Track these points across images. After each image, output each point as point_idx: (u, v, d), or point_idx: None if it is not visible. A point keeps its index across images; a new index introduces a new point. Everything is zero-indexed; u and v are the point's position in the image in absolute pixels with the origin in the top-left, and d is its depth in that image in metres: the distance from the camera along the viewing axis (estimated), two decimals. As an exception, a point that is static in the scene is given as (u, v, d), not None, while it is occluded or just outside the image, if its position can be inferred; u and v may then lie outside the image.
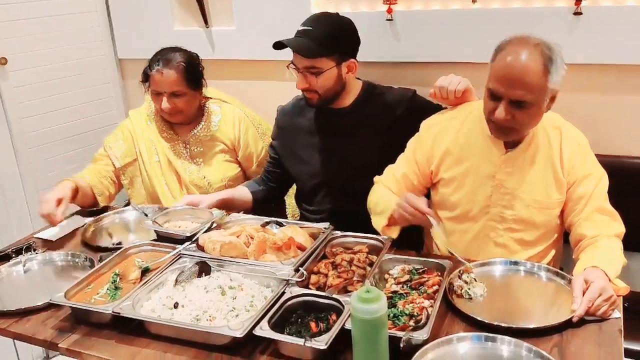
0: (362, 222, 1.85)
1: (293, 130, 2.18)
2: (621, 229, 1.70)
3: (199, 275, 1.60)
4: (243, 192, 2.22)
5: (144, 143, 2.32)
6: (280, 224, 1.84)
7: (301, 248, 1.70)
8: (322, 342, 1.26)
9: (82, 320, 1.52)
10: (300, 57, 1.94)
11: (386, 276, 1.61)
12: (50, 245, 1.96)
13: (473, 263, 1.65)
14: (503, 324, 1.37)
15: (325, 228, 1.79)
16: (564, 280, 1.56)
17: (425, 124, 1.92)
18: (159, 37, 2.78)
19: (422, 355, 1.27)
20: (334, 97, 2.04)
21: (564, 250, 1.89)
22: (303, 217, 2.25)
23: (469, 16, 2.17)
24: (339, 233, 1.78)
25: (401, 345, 1.24)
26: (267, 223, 1.84)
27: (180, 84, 2.19)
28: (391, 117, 2.05)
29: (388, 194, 1.86)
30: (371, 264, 1.64)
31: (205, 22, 2.64)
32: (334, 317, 1.40)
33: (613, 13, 1.96)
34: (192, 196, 2.08)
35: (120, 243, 1.90)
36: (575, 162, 1.72)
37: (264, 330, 1.32)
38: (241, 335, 1.31)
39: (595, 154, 1.76)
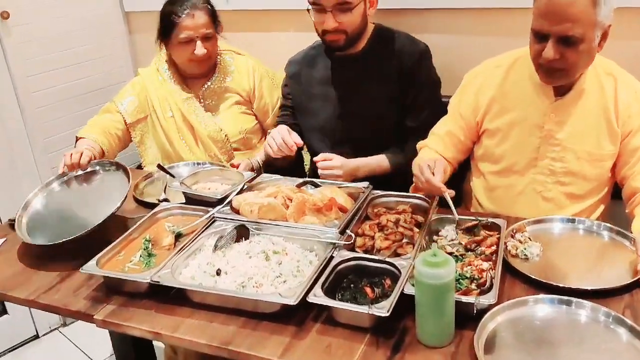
0: (379, 179, 1.79)
1: (304, 81, 2.06)
2: None
3: (237, 240, 1.51)
4: None
5: (157, 99, 2.22)
6: (315, 185, 1.74)
7: (342, 209, 1.61)
8: (383, 309, 1.18)
9: (115, 290, 1.43)
10: None
11: (435, 237, 1.53)
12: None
13: (526, 221, 1.57)
14: (570, 286, 1.29)
15: (365, 187, 1.69)
16: (624, 239, 1.48)
17: (468, 75, 1.81)
18: (168, -12, 2.63)
19: (491, 318, 1.20)
20: (358, 38, 1.91)
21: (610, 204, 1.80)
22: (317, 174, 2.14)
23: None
24: (379, 192, 1.69)
25: (474, 310, 1.17)
26: (303, 184, 1.74)
27: (210, 25, 2.12)
28: (400, 66, 1.93)
29: (428, 156, 1.78)
30: (417, 225, 1.55)
31: (223, -31, 2.47)
32: (388, 281, 1.31)
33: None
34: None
35: (166, 200, 1.80)
36: (631, 112, 1.61)
37: (319, 297, 1.24)
38: (295, 303, 1.23)
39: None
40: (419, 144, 1.88)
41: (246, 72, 2.25)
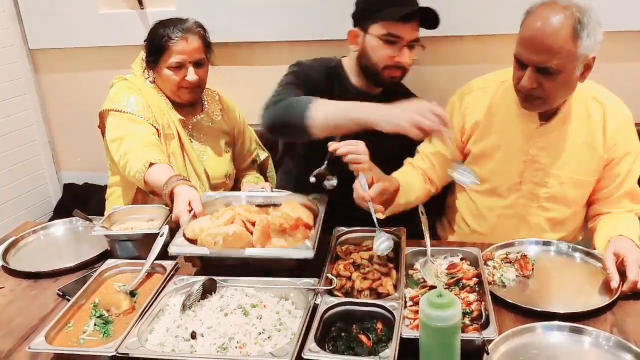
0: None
1: (315, 93, 1.72)
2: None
3: (203, 296, 1.37)
4: None
5: (158, 114, 1.93)
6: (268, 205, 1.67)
7: (306, 226, 1.55)
8: (388, 359, 1.10)
9: (71, 368, 1.24)
10: (415, 29, 1.70)
11: (411, 272, 1.49)
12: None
13: (494, 246, 1.57)
14: (556, 311, 1.30)
15: (320, 197, 1.63)
16: (591, 258, 1.52)
17: (458, 93, 1.79)
18: (79, 23, 2.46)
19: (494, 350, 1.17)
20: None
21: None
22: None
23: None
24: (344, 229, 1.63)
25: (488, 349, 1.12)
26: (263, 205, 1.65)
27: (203, 51, 1.96)
28: None
29: (405, 171, 1.75)
30: (389, 260, 1.50)
31: (140, 2, 2.33)
32: (379, 325, 1.25)
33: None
34: None
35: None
36: (618, 139, 1.63)
37: (316, 353, 1.14)
38: (292, 363, 1.12)
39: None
40: (406, 161, 1.82)
41: (233, 108, 2.14)
